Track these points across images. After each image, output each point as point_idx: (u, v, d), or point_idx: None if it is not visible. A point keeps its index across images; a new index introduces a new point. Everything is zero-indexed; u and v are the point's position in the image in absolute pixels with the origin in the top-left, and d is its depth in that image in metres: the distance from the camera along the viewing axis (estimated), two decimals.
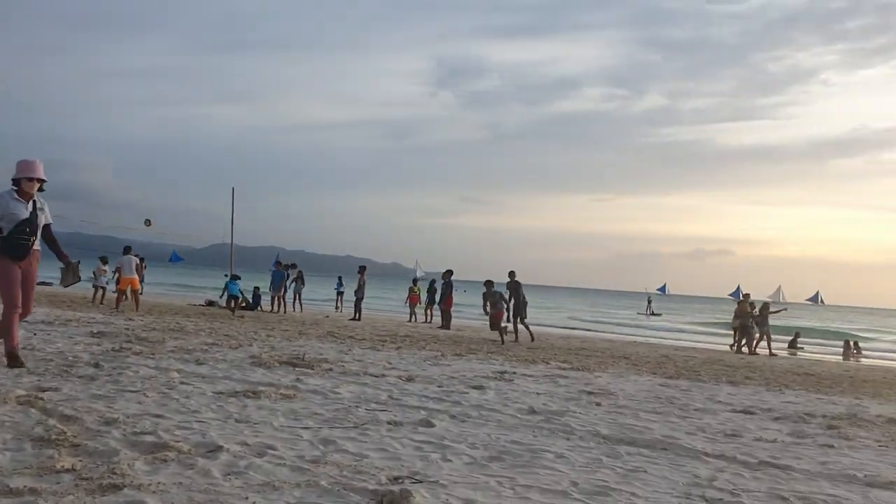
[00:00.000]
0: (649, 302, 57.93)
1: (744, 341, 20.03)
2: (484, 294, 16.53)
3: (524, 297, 16.76)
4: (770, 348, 19.90)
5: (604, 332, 30.58)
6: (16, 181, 6.64)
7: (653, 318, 50.27)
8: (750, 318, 20.16)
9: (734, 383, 9.92)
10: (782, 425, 6.46)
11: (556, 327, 30.62)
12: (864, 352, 25.26)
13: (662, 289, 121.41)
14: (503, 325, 15.62)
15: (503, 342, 14.86)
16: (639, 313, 53.74)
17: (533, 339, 16.19)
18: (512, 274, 16.97)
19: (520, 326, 16.34)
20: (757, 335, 20.04)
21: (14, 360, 6.52)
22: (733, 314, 21.05)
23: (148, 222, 28.31)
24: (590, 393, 7.50)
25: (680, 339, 28.03)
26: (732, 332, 21.07)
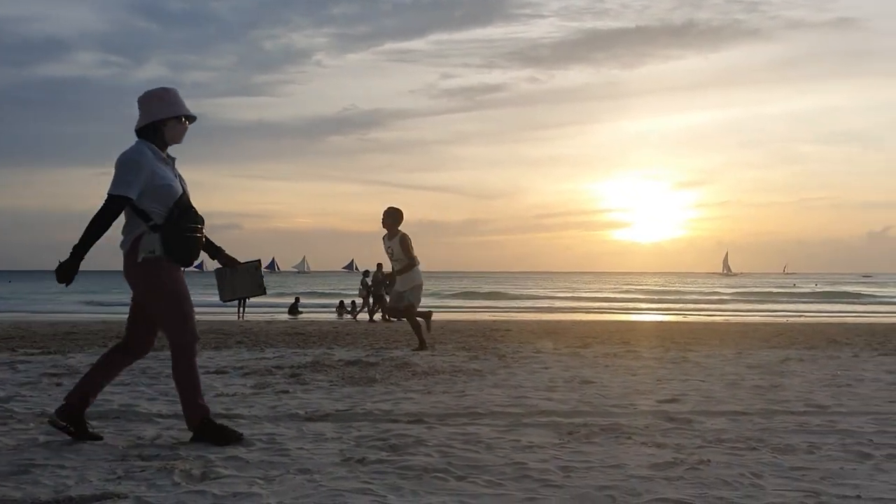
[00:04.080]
0: None
1: (371, 308, 21.45)
2: None
3: None
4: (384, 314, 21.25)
5: (103, 313, 28.82)
6: (152, 126, 4.09)
7: None
8: (383, 287, 21.04)
9: (219, 348, 10.14)
10: (249, 380, 6.76)
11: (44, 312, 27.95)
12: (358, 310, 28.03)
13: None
14: None
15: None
16: None
17: None
18: None
19: None
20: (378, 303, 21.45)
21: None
22: (362, 284, 21.91)
23: None
24: (53, 375, 6.94)
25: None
26: (362, 301, 21.93)
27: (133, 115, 4.15)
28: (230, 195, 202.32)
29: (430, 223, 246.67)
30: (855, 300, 46.32)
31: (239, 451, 3.97)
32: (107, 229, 3.97)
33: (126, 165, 3.98)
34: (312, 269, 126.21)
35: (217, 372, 7.26)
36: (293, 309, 27.99)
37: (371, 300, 21.63)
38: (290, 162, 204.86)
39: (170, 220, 4.00)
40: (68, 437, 4.19)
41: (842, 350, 10.21)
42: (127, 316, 4.33)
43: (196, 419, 4.16)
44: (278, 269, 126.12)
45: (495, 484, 3.35)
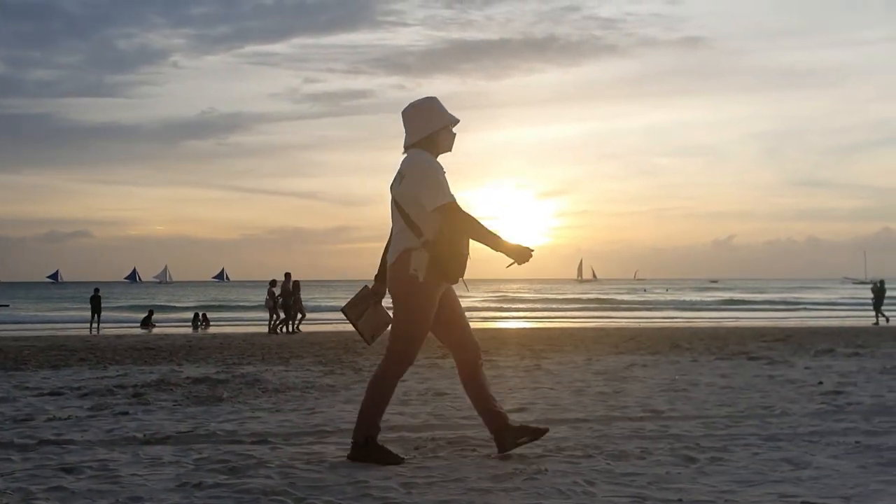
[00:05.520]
0: None
1: (280, 318, 20.78)
2: None
3: None
4: (299, 324, 21.08)
5: None
6: (427, 138, 4.05)
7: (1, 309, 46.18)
8: (292, 298, 20.63)
9: (58, 366, 9.54)
10: (86, 401, 6.39)
11: None
12: (211, 323, 27.17)
13: (54, 276, 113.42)
14: None
15: None
16: None
17: None
18: None
19: None
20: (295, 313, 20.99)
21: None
22: (269, 294, 21.10)
23: None
24: None
25: (26, 329, 26.00)
26: (269, 312, 21.32)
27: None
28: (79, 201, 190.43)
29: (294, 230, 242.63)
30: (701, 306, 49.18)
31: (65, 479, 3.73)
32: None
33: (433, 171, 3.94)
34: (175, 279, 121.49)
35: (52, 393, 6.81)
36: (146, 322, 26.82)
37: (280, 311, 20.96)
38: (144, 166, 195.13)
39: (443, 235, 3.91)
40: None
41: (683, 355, 10.82)
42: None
43: (362, 435, 4.04)
44: (139, 279, 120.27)
45: None
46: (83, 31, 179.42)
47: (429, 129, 4.03)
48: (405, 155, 4.10)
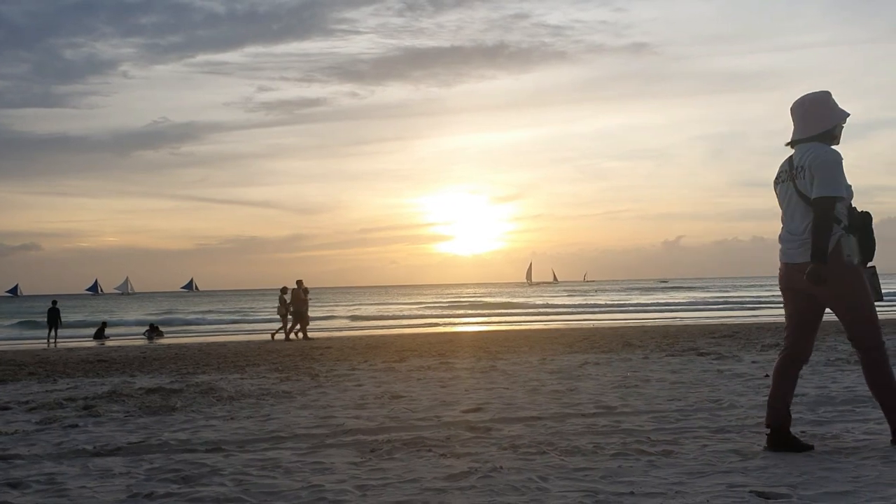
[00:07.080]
0: None
1: (297, 327, 20.22)
2: None
3: None
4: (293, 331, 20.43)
5: None
6: (826, 131, 4.12)
7: None
8: (305, 306, 20.29)
9: (5, 381, 9.30)
10: (34, 415, 6.25)
11: None
12: (164, 334, 26.71)
13: (14, 290, 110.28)
14: None
15: None
16: None
17: None
18: None
19: None
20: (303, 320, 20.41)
21: None
22: (280, 301, 20.79)
23: None
24: None
25: None
26: (281, 319, 20.96)
27: None
28: (25, 213, 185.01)
29: (250, 239, 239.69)
30: (651, 307, 49.90)
31: (10, 495, 3.65)
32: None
33: (838, 166, 3.98)
34: (136, 290, 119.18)
35: None
36: (99, 334, 26.28)
37: (290, 318, 20.61)
38: (94, 177, 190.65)
39: (856, 220, 4.01)
40: None
41: (634, 352, 10.97)
42: (786, 324, 4.23)
43: None
44: (101, 291, 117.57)
45: None
46: (28, 41, 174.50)
47: (831, 123, 4.10)
48: (801, 147, 4.10)
